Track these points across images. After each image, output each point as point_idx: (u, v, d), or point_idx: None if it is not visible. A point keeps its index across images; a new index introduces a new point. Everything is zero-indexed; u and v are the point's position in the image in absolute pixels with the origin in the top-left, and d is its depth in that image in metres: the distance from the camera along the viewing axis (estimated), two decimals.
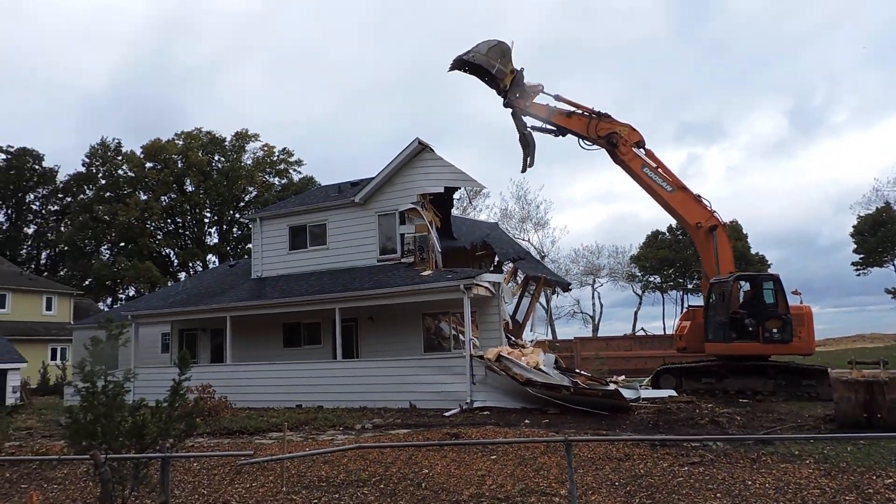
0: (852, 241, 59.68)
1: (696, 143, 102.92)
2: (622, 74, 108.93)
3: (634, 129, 19.01)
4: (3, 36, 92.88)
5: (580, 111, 19.34)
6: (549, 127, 19.84)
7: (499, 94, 19.70)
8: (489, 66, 18.96)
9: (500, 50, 19.24)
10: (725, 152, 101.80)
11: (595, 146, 19.29)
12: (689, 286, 57.24)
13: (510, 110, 19.87)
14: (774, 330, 16.68)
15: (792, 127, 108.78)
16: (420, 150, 20.66)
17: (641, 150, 19.04)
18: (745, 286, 18.05)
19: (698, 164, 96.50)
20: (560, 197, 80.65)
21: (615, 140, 18.73)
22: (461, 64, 19.74)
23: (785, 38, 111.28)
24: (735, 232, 54.60)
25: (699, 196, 18.77)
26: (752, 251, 54.54)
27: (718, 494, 7.21)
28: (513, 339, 20.64)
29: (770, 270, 48.29)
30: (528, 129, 19.95)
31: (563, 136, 19.91)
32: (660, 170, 18.86)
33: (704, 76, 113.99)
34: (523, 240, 47.32)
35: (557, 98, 19.55)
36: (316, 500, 7.57)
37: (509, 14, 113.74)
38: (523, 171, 20.53)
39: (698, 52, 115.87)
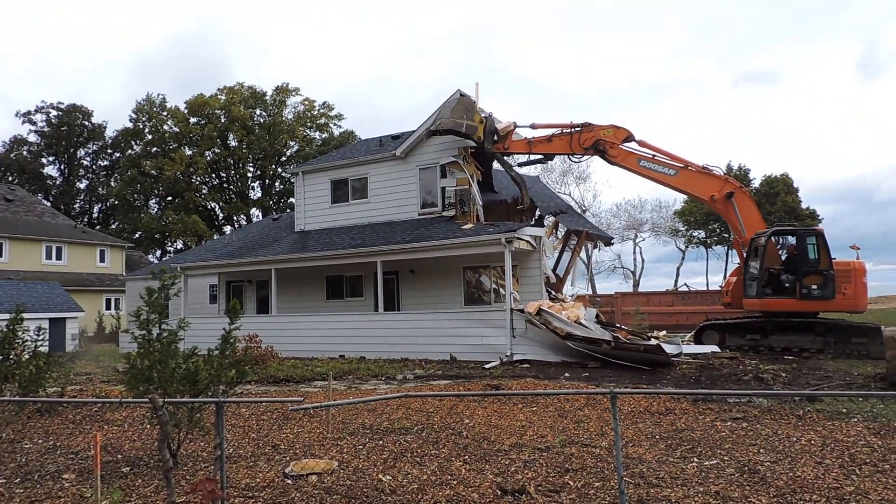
0: None
1: (755, 92, 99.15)
2: (684, 24, 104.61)
3: (619, 127, 18.68)
4: None
5: (559, 130, 19.14)
6: (534, 158, 19.93)
7: (477, 144, 19.62)
8: (458, 126, 19.04)
9: (464, 105, 19.24)
10: (783, 102, 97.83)
11: (585, 156, 19.28)
12: None
13: (493, 156, 19.95)
14: (814, 286, 16.24)
15: (858, 77, 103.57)
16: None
17: (633, 142, 18.66)
18: (790, 241, 17.56)
19: (756, 114, 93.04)
20: None
21: (602, 146, 18.54)
22: (431, 134, 20.00)
23: None
24: (785, 185, 52.78)
25: (706, 167, 18.14)
26: (804, 205, 52.72)
27: (762, 450, 7.15)
28: (553, 293, 20.58)
29: (821, 225, 46.70)
30: (514, 171, 20.34)
31: (552, 160, 19.98)
32: (657, 156, 18.39)
33: (767, 23, 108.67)
34: (564, 193, 46.73)
35: (534, 126, 19.36)
36: (361, 446, 7.79)
37: None
38: (524, 209, 21.01)
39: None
